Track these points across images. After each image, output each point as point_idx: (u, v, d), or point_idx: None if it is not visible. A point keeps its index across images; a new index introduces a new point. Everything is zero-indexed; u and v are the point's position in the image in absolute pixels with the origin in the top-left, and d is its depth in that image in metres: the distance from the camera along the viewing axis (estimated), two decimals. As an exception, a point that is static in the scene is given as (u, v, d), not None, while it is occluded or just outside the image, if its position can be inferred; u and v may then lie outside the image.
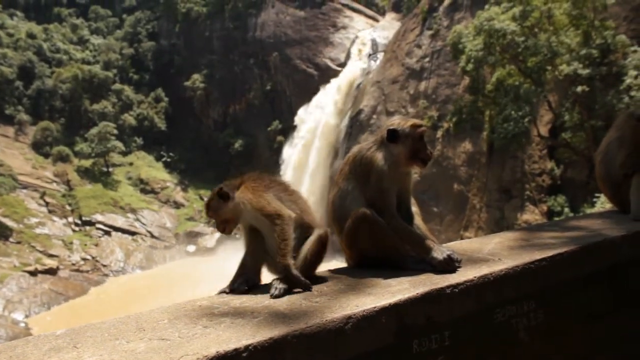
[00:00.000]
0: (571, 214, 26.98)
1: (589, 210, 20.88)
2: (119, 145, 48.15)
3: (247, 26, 50.72)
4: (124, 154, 50.02)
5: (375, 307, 2.22)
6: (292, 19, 48.04)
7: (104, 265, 40.75)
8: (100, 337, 2.09)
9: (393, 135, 3.01)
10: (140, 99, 53.83)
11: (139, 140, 51.88)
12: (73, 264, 39.15)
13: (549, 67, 25.61)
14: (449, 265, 2.74)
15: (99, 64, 54.16)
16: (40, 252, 38.86)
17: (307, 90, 44.20)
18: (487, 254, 2.95)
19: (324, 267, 2.90)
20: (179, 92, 53.23)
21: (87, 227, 43.01)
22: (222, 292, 2.69)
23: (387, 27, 44.03)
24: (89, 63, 53.62)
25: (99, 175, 47.32)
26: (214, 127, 52.78)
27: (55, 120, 48.63)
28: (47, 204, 42.99)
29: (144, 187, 49.14)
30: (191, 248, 44.48)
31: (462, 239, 31.61)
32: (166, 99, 54.21)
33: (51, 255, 38.92)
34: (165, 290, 33.37)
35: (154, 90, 54.55)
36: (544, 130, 28.53)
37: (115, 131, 47.94)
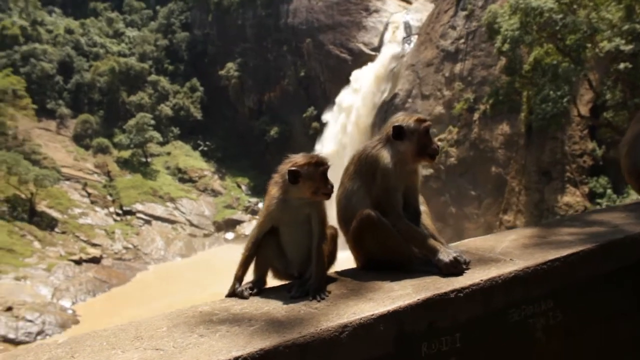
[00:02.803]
0: (614, 196, 26.21)
1: (632, 191, 20.21)
2: (157, 135, 48.94)
3: (279, 13, 50.57)
4: (162, 144, 50.82)
5: (372, 315, 2.16)
6: (324, 4, 47.65)
7: (145, 254, 41.73)
8: (99, 347, 2.11)
9: (399, 132, 2.94)
10: (175, 89, 54.49)
11: (176, 130, 52.62)
12: (115, 253, 40.21)
13: (589, 45, 24.69)
14: (456, 267, 2.66)
15: (135, 56, 55.00)
16: (84, 241, 40.03)
17: (341, 76, 43.88)
18: (499, 253, 2.84)
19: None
20: (214, 82, 53.62)
21: (128, 217, 44.02)
22: (230, 294, 2.69)
23: (420, 9, 43.21)
24: (125, 55, 54.54)
25: (138, 166, 48.28)
26: (249, 115, 53.03)
27: (94, 113, 49.75)
28: (89, 194, 44.17)
29: (182, 176, 49.91)
30: (230, 235, 45.07)
31: (501, 222, 31.36)
32: (201, 88, 54.72)
33: (94, 245, 40.05)
34: (205, 277, 33.95)
35: (189, 80, 55.10)
36: (584, 110, 27.68)
37: (153, 122, 48.75)
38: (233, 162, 51.46)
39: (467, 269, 2.67)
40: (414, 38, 41.21)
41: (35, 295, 32.54)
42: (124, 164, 47.98)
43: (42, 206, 40.77)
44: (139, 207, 44.76)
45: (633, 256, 3.01)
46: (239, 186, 50.17)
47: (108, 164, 47.00)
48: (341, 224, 2.98)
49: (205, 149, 52.86)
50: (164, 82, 53.85)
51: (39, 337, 28.65)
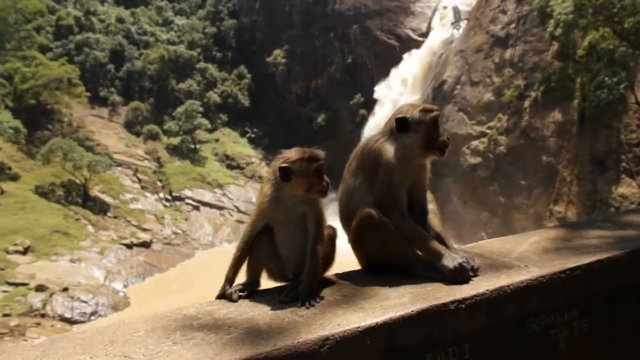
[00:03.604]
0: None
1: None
2: (205, 122, 49.55)
3: (326, 0, 50.24)
4: (210, 130, 51.47)
5: (359, 327, 1.97)
6: (371, -10, 47.04)
7: (194, 239, 42.49)
8: (70, 350, 2.01)
9: (403, 124, 2.69)
10: (223, 76, 54.96)
11: (224, 117, 53.16)
12: (165, 238, 41.11)
13: (649, 28, 23.46)
14: (461, 275, 2.42)
15: (184, 44, 55.64)
16: (135, 226, 41.08)
17: (389, 62, 43.24)
18: (514, 258, 2.58)
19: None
20: (261, 69, 53.83)
21: (177, 203, 44.89)
22: (220, 296, 2.55)
23: (470, -6, 42.03)
24: (174, 43, 55.26)
25: (187, 152, 49.09)
26: (296, 102, 53.03)
27: (144, 100, 50.77)
28: (139, 180, 45.25)
29: (230, 162, 50.46)
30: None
31: (551, 213, 30.41)
32: (249, 75, 55.01)
33: (145, 230, 41.05)
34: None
35: (236, 67, 55.47)
36: (642, 97, 26.35)
37: (201, 109, 49.36)
38: (280, 148, 50.75)
39: (475, 275, 2.43)
40: (463, 23, 40.15)
41: (89, 277, 33.67)
42: (174, 150, 48.87)
43: (95, 191, 42.05)
44: (187, 193, 45.56)
45: None
46: (285, 173, 50.38)
47: (158, 151, 47.98)
48: (343, 223, 2.78)
49: (253, 135, 53.25)
50: (212, 69, 54.41)
51: (92, 318, 29.66)
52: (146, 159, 47.19)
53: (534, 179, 32.44)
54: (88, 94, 47.47)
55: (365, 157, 2.77)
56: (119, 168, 44.83)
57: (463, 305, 2.14)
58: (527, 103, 33.09)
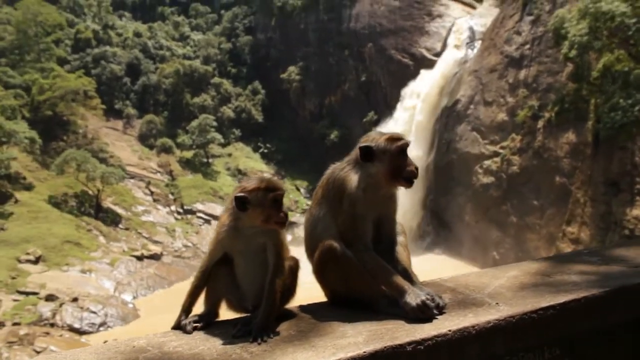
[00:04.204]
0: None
1: None
2: (218, 137, 49.77)
3: (341, 18, 50.45)
4: (223, 145, 51.70)
5: (303, 369, 1.84)
6: (386, 9, 47.13)
7: (204, 252, 42.35)
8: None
9: (367, 153, 2.58)
10: (238, 91, 55.31)
11: (237, 132, 53.39)
12: (175, 251, 41.13)
13: (665, 51, 23.25)
14: (424, 313, 2.29)
15: (199, 58, 56.07)
16: (146, 238, 41.18)
17: (403, 81, 43.28)
18: (487, 294, 2.44)
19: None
20: (276, 85, 54.12)
21: (189, 216, 44.97)
22: (175, 327, 2.44)
23: (484, 14, 41.91)
24: (189, 58, 55.74)
25: (199, 166, 49.29)
26: (309, 119, 53.16)
27: (159, 114, 51.20)
28: (152, 193, 45.46)
29: (242, 177, 50.45)
30: (287, 237, 45.11)
31: (564, 234, 30.00)
32: (263, 91, 55.30)
33: (156, 242, 41.12)
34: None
35: (251, 83, 55.80)
36: (657, 120, 25.99)
37: (215, 123, 49.58)
38: (293, 164, 51.72)
39: (441, 313, 2.29)
40: (478, 43, 40.10)
41: (99, 287, 33.74)
42: (186, 163, 49.12)
43: (107, 202, 42.30)
44: (199, 206, 45.63)
45: None
46: (298, 189, 50.30)
47: (171, 164, 48.24)
48: (307, 254, 2.67)
49: (266, 151, 53.39)
50: (226, 84, 54.80)
51: (101, 329, 29.67)
52: (159, 171, 47.45)
53: (546, 200, 32.13)
54: (103, 106, 48.01)
55: (330, 186, 2.66)
56: (131, 180, 45.09)
57: (422, 347, 2.01)
58: (540, 123, 32.88)
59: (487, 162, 35.67)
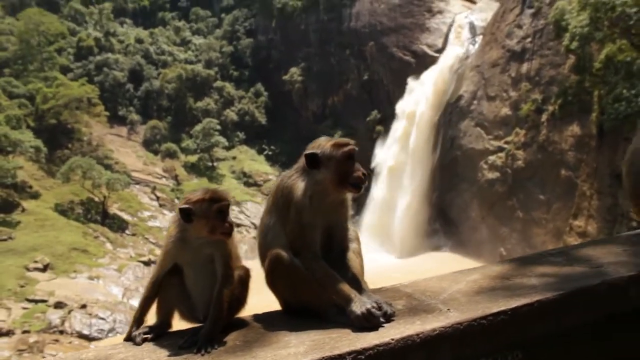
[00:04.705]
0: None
1: None
2: (222, 140, 49.85)
3: (342, 17, 50.35)
4: (227, 148, 51.75)
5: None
6: (386, 7, 46.98)
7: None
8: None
9: (313, 160, 2.56)
10: (240, 94, 55.35)
11: (241, 135, 53.46)
12: (182, 255, 41.22)
13: (667, 40, 23.05)
14: (369, 321, 2.26)
15: (201, 63, 56.18)
16: (153, 243, 41.30)
17: (405, 79, 43.15)
18: (442, 300, 2.40)
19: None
20: (278, 86, 54.09)
21: (195, 220, 45.05)
22: (126, 338, 2.44)
23: (484, 9, 41.66)
24: (191, 63, 55.84)
25: (204, 170, 49.39)
26: (313, 120, 53.08)
27: (162, 119, 51.36)
28: (157, 198, 45.59)
29: (247, 180, 50.57)
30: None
31: (571, 228, 29.84)
32: (265, 93, 55.33)
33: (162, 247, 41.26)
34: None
35: (253, 85, 55.84)
36: (662, 110, 25.77)
37: (219, 127, 49.69)
38: (297, 165, 51.69)
39: (389, 321, 2.26)
40: (479, 38, 39.92)
41: (107, 294, 33.88)
42: (191, 168, 49.23)
43: (113, 209, 42.47)
44: (204, 210, 45.68)
45: (607, 308, 2.46)
46: (303, 190, 50.31)
47: (176, 168, 48.37)
48: (261, 262, 2.65)
49: (270, 153, 53.40)
50: (229, 87, 54.88)
51: (110, 335, 29.78)
52: (164, 176, 47.58)
53: (552, 194, 31.94)
54: (107, 113, 48.18)
55: (279, 194, 2.65)
56: (137, 186, 45.24)
57: (362, 357, 1.97)
58: (544, 117, 32.70)
59: (491, 158, 35.55)
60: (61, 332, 29.51)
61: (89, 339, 29.27)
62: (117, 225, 41.25)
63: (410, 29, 45.32)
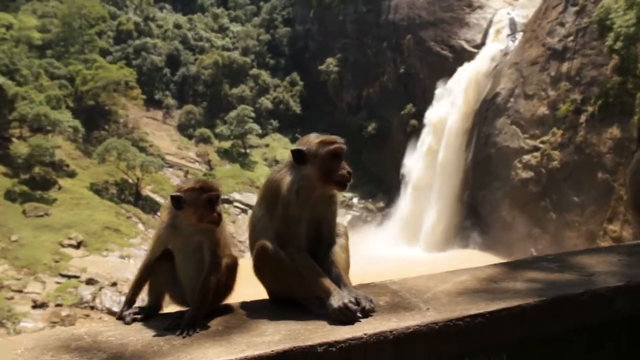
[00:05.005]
0: None
1: None
2: (256, 127, 50.20)
3: (380, 9, 49.98)
4: (261, 136, 52.11)
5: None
6: (426, 1, 46.40)
7: (240, 242, 42.96)
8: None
9: (300, 156, 2.63)
10: (276, 83, 55.62)
11: (275, 123, 53.73)
12: (212, 240, 41.82)
13: None
14: (345, 315, 2.31)
15: (238, 50, 56.59)
16: (184, 227, 41.99)
17: (442, 73, 42.70)
18: (424, 299, 2.43)
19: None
20: (314, 76, 54.09)
21: (226, 205, 45.51)
22: (118, 317, 2.56)
23: (526, 5, 40.84)
24: (228, 50, 56.31)
25: (237, 156, 49.87)
26: (347, 111, 53.02)
27: (198, 104, 52.05)
28: (189, 182, 46.26)
29: (279, 167, 50.85)
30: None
31: (605, 232, 29.23)
32: (301, 82, 55.44)
33: (193, 231, 41.92)
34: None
35: (289, 74, 56.02)
36: None
37: (253, 114, 50.05)
38: (329, 156, 51.70)
39: (367, 316, 2.31)
40: (519, 35, 39.19)
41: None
42: (224, 154, 49.75)
43: (146, 191, 43.31)
44: (236, 196, 46.15)
45: (590, 317, 2.45)
46: (334, 180, 50.38)
47: (209, 154, 48.96)
48: (251, 253, 2.76)
49: (303, 142, 53.51)
50: (265, 75, 55.16)
51: (138, 313, 30.60)
52: (197, 161, 48.23)
53: (587, 196, 31.31)
54: (144, 96, 48.99)
55: (268, 188, 2.74)
56: (170, 169, 45.99)
57: (334, 349, 2.02)
58: (583, 118, 32.03)
59: (526, 157, 35.02)
60: (92, 308, 30.42)
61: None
62: (150, 206, 42.06)
63: (449, 23, 44.76)
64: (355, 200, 47.91)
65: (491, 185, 37.28)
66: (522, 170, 35.36)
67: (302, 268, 2.51)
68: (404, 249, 38.15)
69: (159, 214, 42.06)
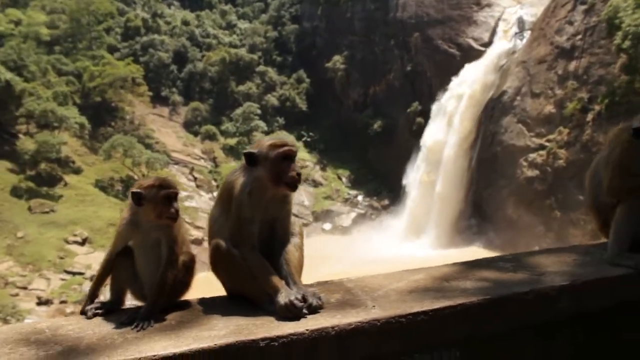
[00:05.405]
0: None
1: None
2: (262, 125, 50.24)
3: (388, 7, 49.85)
4: (267, 133, 51.93)
5: (149, 356, 1.98)
6: (434, -2, 46.44)
7: (245, 239, 43.18)
8: None
9: (251, 159, 2.75)
10: (282, 80, 55.57)
11: (281, 120, 53.70)
12: (217, 236, 41.95)
13: None
14: (290, 312, 2.42)
15: (245, 47, 56.60)
16: (189, 223, 42.04)
17: (449, 71, 42.56)
18: (374, 297, 2.51)
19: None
20: (320, 74, 54.03)
21: (229, 203, 45.73)
22: (81, 311, 2.65)
23: (535, 4, 40.59)
24: (235, 46, 56.30)
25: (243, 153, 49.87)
26: (353, 108, 52.97)
27: (204, 101, 52.13)
28: (195, 179, 46.45)
29: (286, 165, 50.85)
30: (327, 226, 45.33)
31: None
32: (307, 80, 55.32)
33: (197, 227, 42.00)
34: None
35: (296, 71, 55.92)
36: None
37: (259, 111, 50.16)
38: (335, 153, 51.70)
39: (315, 313, 2.40)
40: (527, 34, 39.03)
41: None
42: (230, 151, 49.83)
43: (152, 187, 43.49)
44: (241, 193, 46.25)
45: (535, 316, 2.51)
46: (340, 178, 50.37)
47: (214, 151, 49.10)
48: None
49: (309, 139, 53.52)
50: (271, 73, 55.17)
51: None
52: (202, 158, 48.40)
53: (593, 195, 31.15)
54: (150, 93, 49.20)
55: (224, 189, 2.87)
56: (175, 166, 46.17)
57: (276, 344, 2.11)
58: (590, 117, 31.96)
59: (532, 155, 34.96)
60: (96, 304, 30.58)
61: (123, 312, 30.32)
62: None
63: (457, 21, 44.61)
64: (360, 197, 47.93)
65: (497, 184, 37.23)
66: (528, 168, 35.29)
67: (253, 267, 2.62)
68: (408, 247, 38.16)
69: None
